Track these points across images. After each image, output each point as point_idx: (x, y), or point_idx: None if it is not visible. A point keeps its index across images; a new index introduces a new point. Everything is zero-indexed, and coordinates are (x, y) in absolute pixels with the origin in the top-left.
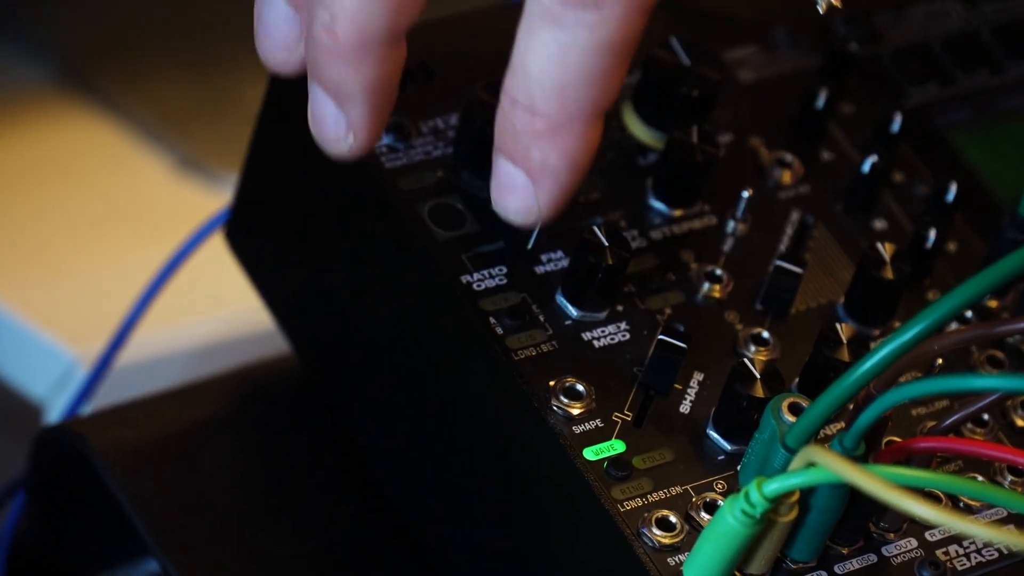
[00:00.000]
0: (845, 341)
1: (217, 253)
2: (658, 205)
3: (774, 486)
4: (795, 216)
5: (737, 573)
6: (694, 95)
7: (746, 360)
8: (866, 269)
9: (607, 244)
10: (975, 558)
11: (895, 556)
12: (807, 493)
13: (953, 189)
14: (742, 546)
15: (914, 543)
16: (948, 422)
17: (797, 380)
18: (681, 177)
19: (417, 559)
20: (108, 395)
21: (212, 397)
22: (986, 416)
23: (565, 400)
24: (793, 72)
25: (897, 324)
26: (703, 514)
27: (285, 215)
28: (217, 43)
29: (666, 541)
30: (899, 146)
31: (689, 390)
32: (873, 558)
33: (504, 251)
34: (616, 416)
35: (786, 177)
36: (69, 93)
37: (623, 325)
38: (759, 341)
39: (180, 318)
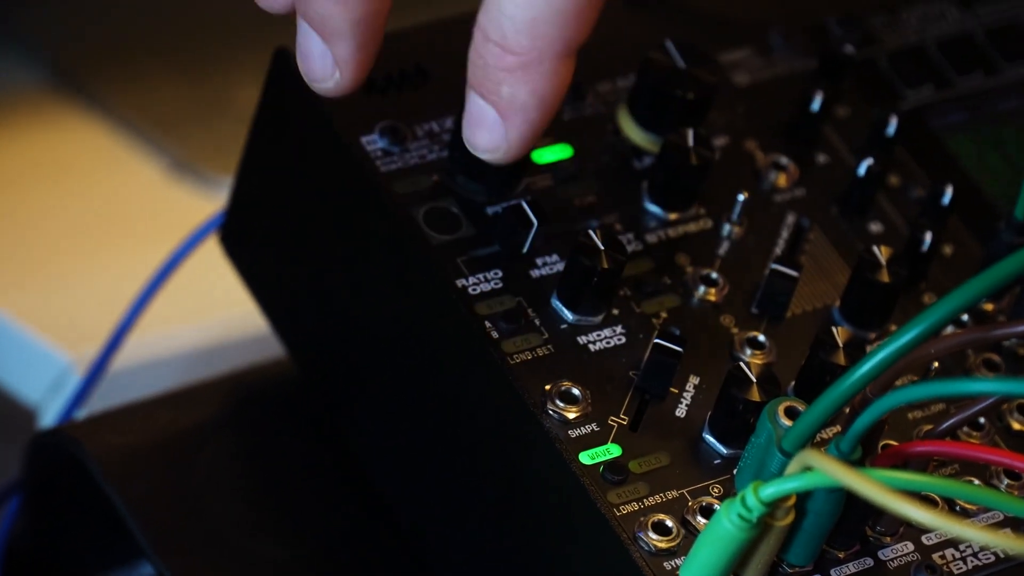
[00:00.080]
0: (841, 345)
1: (212, 257)
2: (653, 208)
3: (771, 490)
4: (791, 219)
5: None
6: (689, 98)
7: (742, 364)
8: (862, 272)
9: (602, 248)
10: (971, 562)
11: (891, 560)
12: (803, 497)
13: (949, 192)
14: (738, 550)
15: (910, 547)
16: (944, 426)
17: (793, 384)
18: (677, 180)
19: (414, 562)
20: (103, 399)
21: (207, 401)
22: (982, 420)
23: (561, 404)
24: (789, 75)
25: (893, 328)
26: (699, 518)
27: (280, 219)
28: (210, 46)
29: (662, 545)
30: (895, 149)
31: (685, 394)
32: (869, 562)
33: (499, 255)
34: (612, 420)
35: (782, 180)
36: (62, 96)
37: (619, 329)
38: (755, 345)
39: (175, 322)
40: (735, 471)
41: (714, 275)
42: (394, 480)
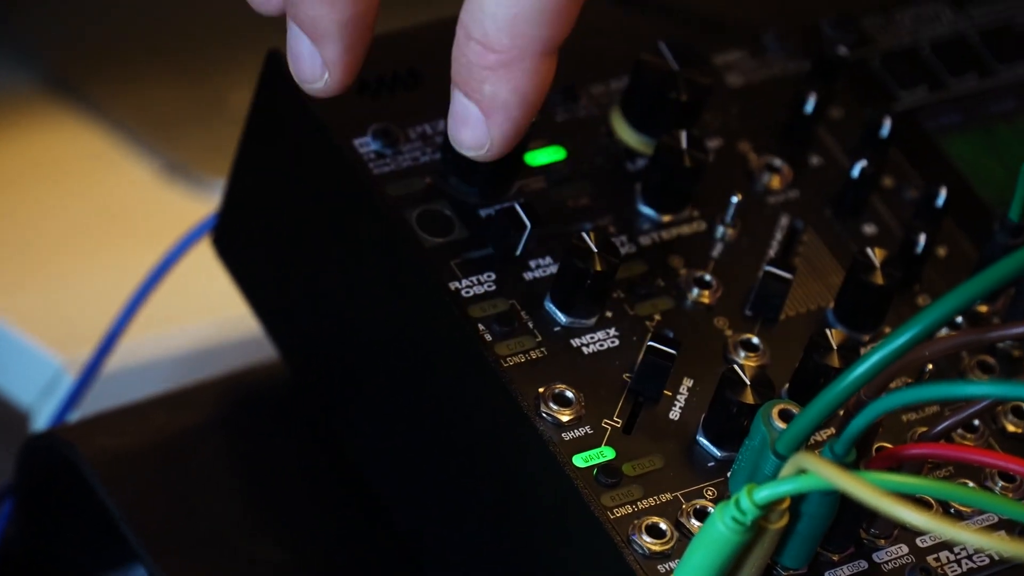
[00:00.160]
0: (835, 347)
1: (205, 259)
2: (647, 211)
3: (765, 493)
4: (784, 221)
5: None
6: (683, 100)
7: (736, 366)
8: (856, 274)
9: (596, 250)
10: (966, 564)
11: (886, 562)
12: (798, 500)
13: (943, 193)
14: (732, 553)
15: (905, 549)
16: (939, 428)
17: (787, 386)
18: (670, 182)
19: (409, 565)
20: (96, 402)
21: (200, 403)
22: (976, 422)
23: (554, 407)
24: (782, 76)
25: (887, 329)
26: (693, 521)
27: (273, 221)
28: (204, 48)
29: (656, 548)
30: (889, 150)
31: (679, 396)
32: (864, 564)
33: (492, 257)
34: (606, 423)
35: (775, 182)
36: (55, 98)
37: (612, 331)
38: (749, 347)
39: (168, 324)
40: (729, 474)
41: (708, 277)
42: (389, 482)
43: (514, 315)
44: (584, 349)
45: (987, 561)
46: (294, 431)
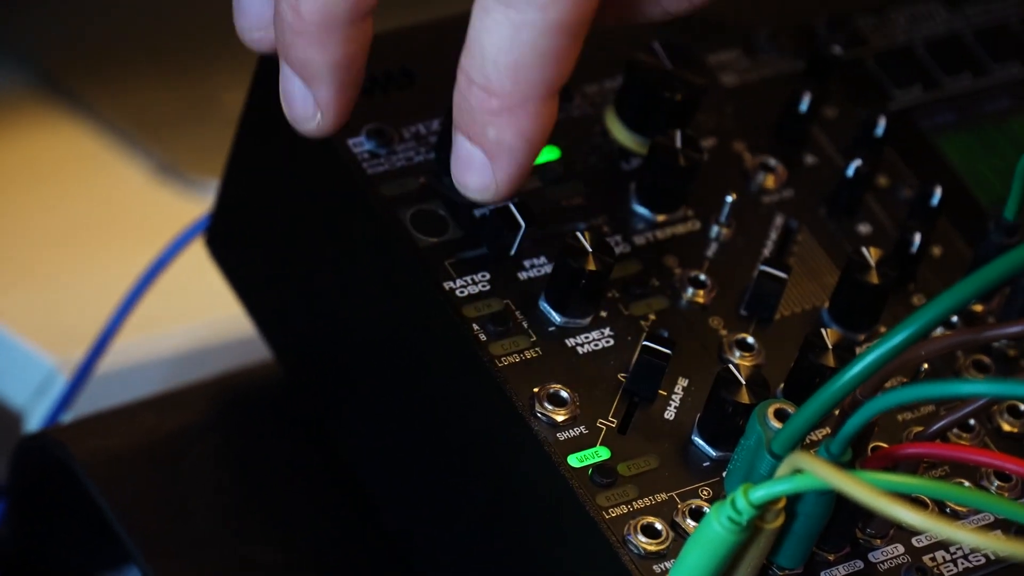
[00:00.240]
0: (831, 346)
1: (198, 260)
2: (641, 210)
3: (761, 493)
4: (779, 220)
5: None
6: (677, 99)
7: (731, 366)
8: (851, 274)
9: (590, 250)
10: (962, 564)
11: (882, 562)
12: (793, 499)
13: (938, 193)
14: (728, 553)
15: (901, 549)
16: (934, 428)
17: (782, 386)
18: (665, 182)
19: (401, 566)
20: (89, 403)
21: (193, 404)
22: (972, 421)
23: (549, 407)
24: (776, 76)
25: (882, 329)
26: (689, 521)
27: (266, 221)
28: (196, 49)
29: (651, 548)
30: (883, 150)
31: (674, 396)
32: (860, 564)
33: (487, 257)
34: (601, 423)
35: (770, 181)
36: (48, 99)
37: (607, 331)
38: (744, 347)
39: (161, 325)
40: (724, 474)
41: (702, 277)
42: (382, 483)
43: (508, 315)
44: (579, 349)
45: (983, 561)
46: (288, 432)
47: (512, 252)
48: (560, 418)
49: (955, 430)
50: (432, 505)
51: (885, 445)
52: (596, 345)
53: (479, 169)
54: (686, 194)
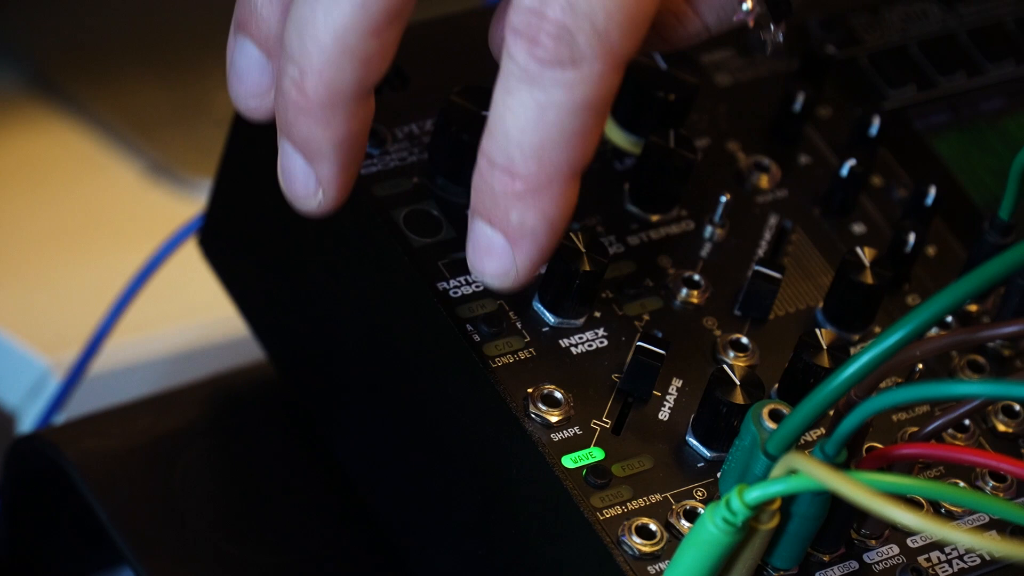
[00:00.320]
0: (825, 346)
1: (191, 260)
2: (635, 210)
3: (756, 494)
4: (773, 220)
5: None
6: (671, 99)
7: (725, 366)
8: (845, 274)
9: (584, 250)
10: (957, 564)
11: (877, 563)
12: (788, 500)
13: (932, 192)
14: (723, 554)
15: (896, 550)
16: (929, 428)
17: (776, 386)
18: (659, 182)
19: (396, 566)
20: (82, 404)
21: (187, 405)
22: (967, 422)
23: (543, 407)
24: (770, 75)
25: (877, 329)
26: (683, 522)
27: (259, 222)
28: (188, 48)
29: (646, 549)
30: (877, 149)
31: (668, 397)
32: (855, 565)
33: None
34: (595, 423)
35: (764, 181)
36: (41, 99)
37: (601, 331)
38: (738, 347)
39: (154, 326)
40: (719, 474)
41: (696, 277)
42: (375, 484)
43: (502, 315)
44: (573, 349)
45: (978, 561)
46: (281, 433)
47: None
48: (554, 419)
49: (950, 430)
50: (426, 506)
51: (880, 445)
52: (590, 346)
53: (500, 255)
54: (680, 194)
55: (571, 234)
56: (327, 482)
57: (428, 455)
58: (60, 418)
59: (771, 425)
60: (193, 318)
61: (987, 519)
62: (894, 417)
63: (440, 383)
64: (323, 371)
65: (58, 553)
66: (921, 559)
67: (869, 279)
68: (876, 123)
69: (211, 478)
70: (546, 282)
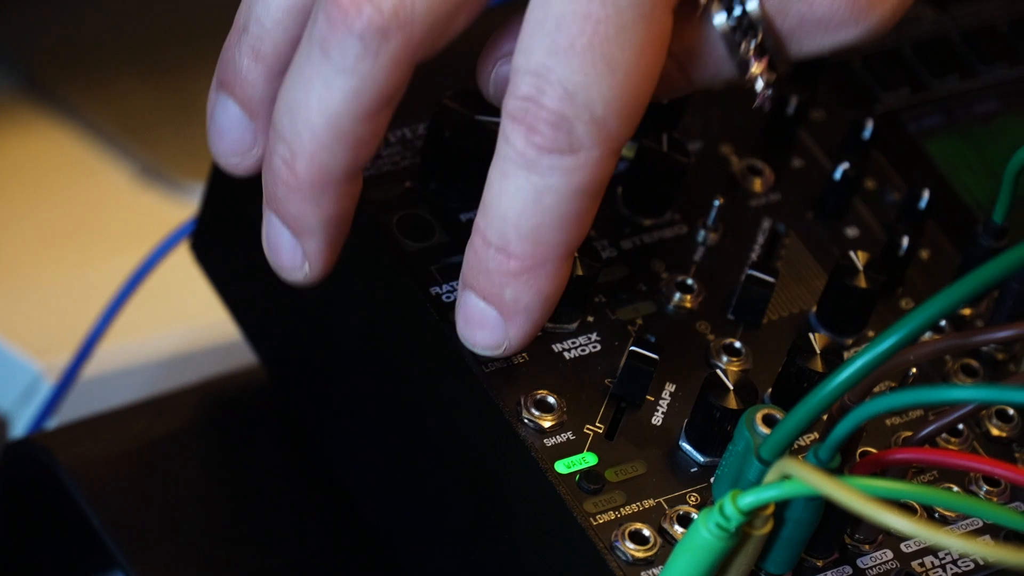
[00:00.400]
0: (819, 351)
1: (183, 264)
2: (628, 214)
3: (749, 499)
4: (766, 224)
5: None
6: (663, 103)
7: (718, 371)
8: (839, 278)
9: (577, 254)
10: (951, 569)
11: (870, 568)
12: (782, 505)
13: (926, 196)
14: (716, 560)
15: (889, 555)
16: (923, 433)
17: (770, 390)
18: (652, 186)
19: (388, 571)
20: (74, 408)
21: (179, 410)
22: (961, 426)
23: (536, 412)
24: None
25: (870, 333)
26: (676, 527)
27: (251, 226)
28: (179, 52)
29: (639, 555)
30: (871, 152)
31: (661, 401)
32: (848, 570)
33: None
34: (588, 428)
35: (757, 185)
36: (31, 102)
37: (594, 336)
38: (731, 351)
39: (146, 330)
40: (712, 479)
41: (690, 281)
42: (368, 489)
43: None
44: (566, 354)
45: (972, 566)
46: (274, 437)
47: None
48: (547, 424)
49: (944, 435)
50: (418, 511)
51: (873, 450)
52: (583, 350)
53: (492, 328)
54: (673, 198)
55: None
56: (319, 487)
57: (420, 460)
58: (52, 423)
59: (764, 430)
60: (185, 322)
61: (981, 524)
62: (888, 421)
63: (433, 388)
64: (315, 375)
65: (50, 558)
66: (915, 564)
67: (863, 283)
68: (869, 126)
69: (203, 483)
70: None
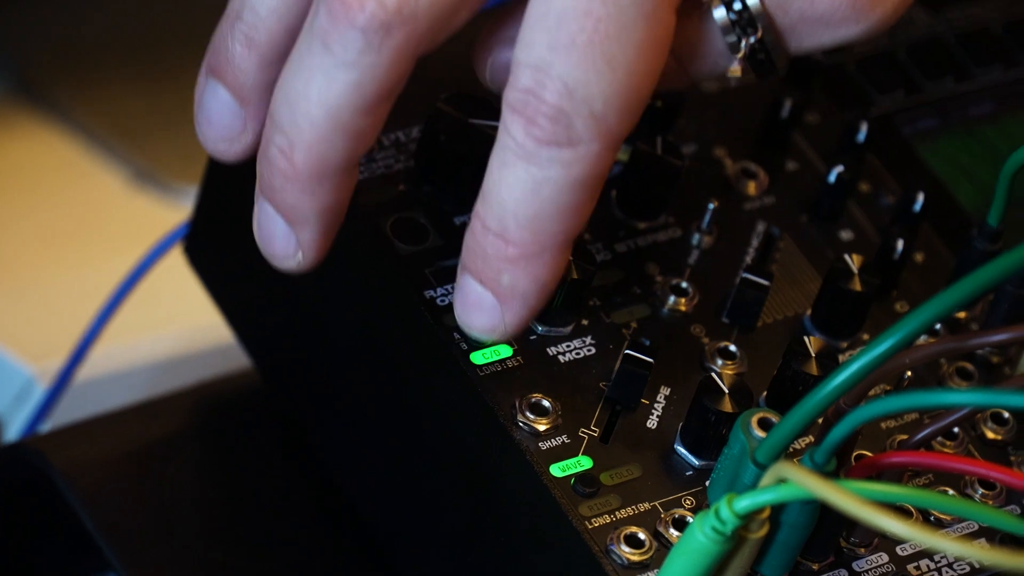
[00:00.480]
0: (813, 354)
1: (176, 267)
2: (623, 217)
3: (745, 503)
4: (761, 227)
5: None
6: (658, 105)
7: (713, 374)
8: (834, 281)
9: (571, 258)
10: (946, 572)
11: (866, 571)
12: (777, 509)
13: (920, 199)
14: (712, 563)
15: (885, 558)
16: (919, 436)
17: (765, 394)
18: (646, 189)
19: (384, 574)
20: (67, 412)
21: (173, 413)
22: (956, 430)
23: (531, 416)
24: (758, 81)
25: (865, 336)
26: (672, 531)
27: (245, 229)
28: (172, 55)
29: (635, 558)
30: (865, 155)
31: (656, 405)
32: (844, 573)
33: None
34: (583, 432)
35: (751, 188)
36: (24, 106)
37: (589, 340)
38: (726, 355)
39: (140, 333)
40: (707, 483)
41: (684, 284)
42: (363, 492)
43: None
44: (560, 358)
45: (967, 569)
46: (267, 440)
47: None
48: (542, 427)
49: (939, 438)
50: (415, 514)
51: (869, 454)
52: (578, 354)
53: (488, 311)
54: (667, 201)
55: None
56: (315, 489)
57: (415, 463)
58: (46, 426)
59: (760, 434)
60: (179, 325)
61: (976, 527)
62: (883, 425)
63: (428, 391)
64: (309, 379)
65: (45, 562)
66: (910, 567)
67: (857, 286)
68: (864, 129)
69: (198, 486)
70: None
